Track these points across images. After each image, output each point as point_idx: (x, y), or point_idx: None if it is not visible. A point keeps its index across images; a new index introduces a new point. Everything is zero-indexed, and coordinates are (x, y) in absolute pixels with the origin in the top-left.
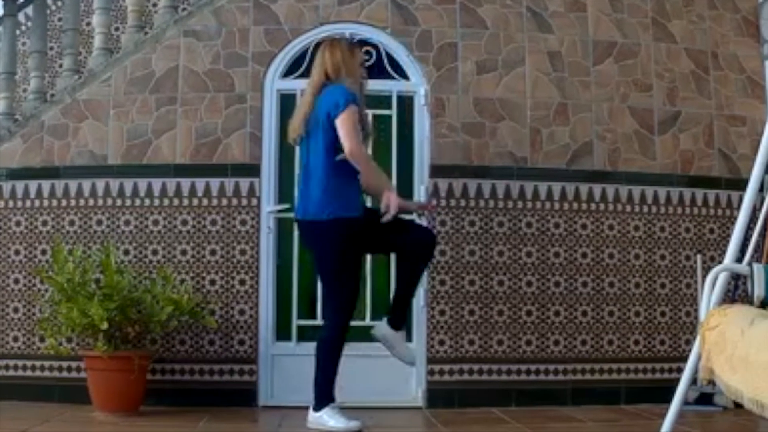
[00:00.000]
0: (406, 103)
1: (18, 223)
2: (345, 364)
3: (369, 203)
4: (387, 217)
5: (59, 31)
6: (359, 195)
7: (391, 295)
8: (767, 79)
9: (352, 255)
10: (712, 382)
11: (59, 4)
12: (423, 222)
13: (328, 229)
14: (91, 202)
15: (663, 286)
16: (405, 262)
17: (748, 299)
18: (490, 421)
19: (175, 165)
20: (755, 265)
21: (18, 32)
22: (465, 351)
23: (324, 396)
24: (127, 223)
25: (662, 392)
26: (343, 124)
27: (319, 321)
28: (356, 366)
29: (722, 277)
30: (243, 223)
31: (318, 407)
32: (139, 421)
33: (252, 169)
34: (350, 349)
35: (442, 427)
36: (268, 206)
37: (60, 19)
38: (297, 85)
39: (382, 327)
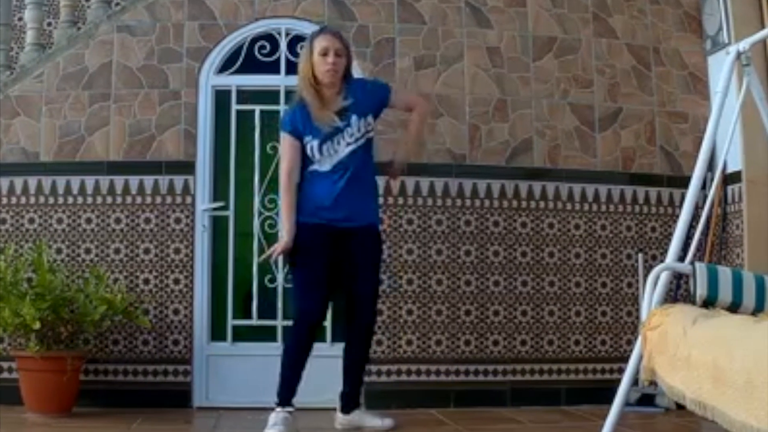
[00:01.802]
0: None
1: None
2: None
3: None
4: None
5: None
6: (318, 201)
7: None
8: (710, 76)
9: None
10: (653, 383)
11: None
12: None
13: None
14: (23, 200)
15: (604, 285)
16: (349, 339)
17: (690, 299)
18: (428, 422)
19: (108, 162)
20: (697, 264)
21: None
22: (403, 351)
23: (277, 394)
24: (59, 221)
25: (603, 393)
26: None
27: (254, 321)
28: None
29: (664, 276)
30: (177, 221)
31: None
32: (72, 423)
33: (186, 167)
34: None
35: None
36: (203, 204)
37: None
38: (232, 81)
39: (340, 419)
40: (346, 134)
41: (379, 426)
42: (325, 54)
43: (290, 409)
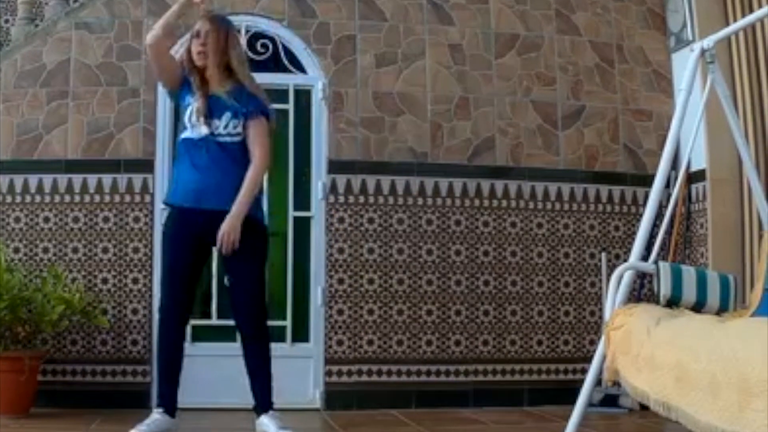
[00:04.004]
0: (303, 97)
1: None
2: (241, 364)
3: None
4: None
5: None
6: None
7: None
8: (674, 73)
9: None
10: (617, 384)
11: None
12: None
13: None
14: None
15: (567, 284)
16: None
17: (654, 298)
18: (389, 423)
19: (66, 161)
20: (661, 264)
21: None
22: (364, 351)
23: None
24: (17, 220)
25: (566, 394)
26: None
27: (214, 321)
28: None
29: (627, 276)
30: (136, 220)
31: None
32: (30, 423)
33: (145, 165)
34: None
35: (340, 429)
36: (162, 203)
37: None
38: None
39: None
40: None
41: None
42: (196, 36)
43: (159, 411)
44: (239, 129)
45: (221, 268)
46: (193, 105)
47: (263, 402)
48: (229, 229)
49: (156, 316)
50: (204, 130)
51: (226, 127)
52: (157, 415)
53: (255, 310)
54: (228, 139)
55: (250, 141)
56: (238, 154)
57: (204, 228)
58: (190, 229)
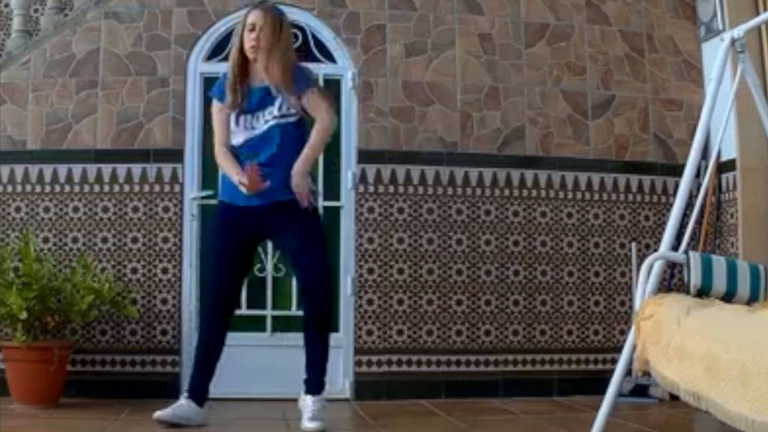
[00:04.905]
0: (333, 87)
1: None
2: (271, 354)
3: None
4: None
5: None
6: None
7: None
8: (704, 63)
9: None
10: (647, 374)
11: None
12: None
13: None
14: (10, 188)
15: (597, 274)
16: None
17: (684, 288)
18: (419, 413)
19: (95, 150)
20: (691, 253)
21: None
22: (393, 341)
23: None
24: (46, 210)
25: (596, 384)
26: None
27: (243, 311)
28: (282, 356)
29: (657, 266)
30: (165, 210)
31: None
32: (59, 414)
33: (175, 155)
34: (276, 340)
35: (370, 419)
36: (192, 192)
37: None
38: (221, 68)
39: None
40: (266, 113)
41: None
42: (251, 30)
43: (185, 396)
44: (292, 110)
45: (256, 257)
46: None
47: (309, 384)
48: (297, 184)
49: (186, 305)
50: (243, 136)
51: (280, 108)
52: (183, 401)
53: (324, 292)
54: (282, 120)
55: (311, 113)
56: (293, 133)
57: (252, 223)
58: (239, 223)
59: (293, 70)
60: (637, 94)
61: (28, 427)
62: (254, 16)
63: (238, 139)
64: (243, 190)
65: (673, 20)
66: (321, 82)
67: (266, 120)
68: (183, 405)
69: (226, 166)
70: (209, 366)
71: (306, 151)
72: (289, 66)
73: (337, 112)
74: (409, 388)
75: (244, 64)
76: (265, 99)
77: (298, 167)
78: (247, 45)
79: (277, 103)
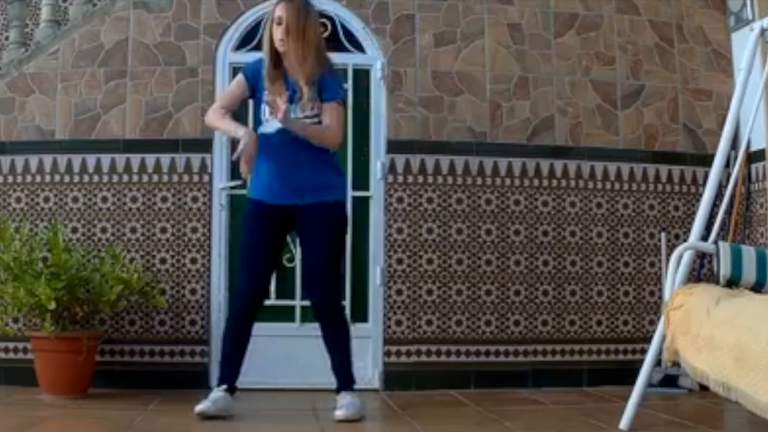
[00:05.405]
0: (362, 77)
1: None
2: (300, 344)
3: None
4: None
5: (5, 3)
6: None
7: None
8: (733, 52)
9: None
10: (676, 364)
11: None
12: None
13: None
14: (38, 178)
15: (626, 264)
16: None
17: (713, 278)
18: (448, 403)
19: (124, 140)
20: (721, 243)
21: None
22: (423, 332)
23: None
24: (75, 200)
25: (626, 374)
26: None
27: (272, 301)
28: (310, 346)
29: (687, 256)
30: (194, 200)
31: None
32: (88, 404)
33: (204, 145)
34: (305, 330)
35: (399, 409)
36: (220, 183)
37: None
38: (250, 57)
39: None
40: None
41: (338, 416)
42: (279, 23)
43: (224, 388)
44: (316, 111)
45: (285, 247)
46: (266, 99)
47: (338, 380)
48: (286, 120)
49: (215, 295)
50: (275, 125)
51: (303, 110)
52: (219, 393)
53: (328, 287)
54: (307, 121)
55: (325, 119)
56: None
57: (282, 219)
58: (269, 219)
59: (326, 73)
60: (667, 84)
61: (57, 418)
62: (281, 9)
63: (270, 128)
64: (240, 147)
65: (702, 10)
66: (350, 72)
67: (297, 117)
68: (221, 397)
69: (222, 124)
70: (239, 357)
71: (317, 127)
72: (319, 64)
73: (366, 102)
74: (439, 379)
75: (277, 57)
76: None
77: (300, 126)
78: (275, 38)
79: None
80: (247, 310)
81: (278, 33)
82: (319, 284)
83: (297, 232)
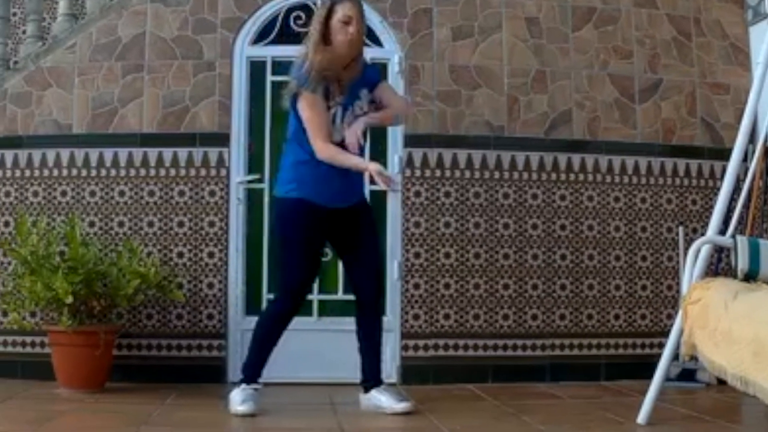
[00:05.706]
0: (379, 70)
1: None
2: (318, 339)
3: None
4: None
5: None
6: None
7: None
8: (751, 46)
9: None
10: (694, 358)
11: None
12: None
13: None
14: (56, 172)
15: (644, 258)
16: (358, 312)
17: (731, 272)
18: (465, 397)
19: (141, 134)
20: (739, 238)
21: None
22: (440, 326)
23: (244, 369)
24: (92, 194)
25: (643, 368)
26: (303, 114)
27: None
28: (328, 340)
29: (705, 250)
30: (212, 194)
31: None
32: (105, 398)
33: (221, 139)
34: (323, 324)
35: (417, 403)
36: (238, 177)
37: None
38: (267, 52)
39: (364, 400)
40: (356, 107)
41: (396, 408)
42: (347, 22)
43: (257, 386)
44: (365, 108)
45: None
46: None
47: (375, 375)
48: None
49: (233, 290)
50: (341, 135)
51: (362, 108)
52: (252, 390)
53: (377, 283)
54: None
55: (387, 102)
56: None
57: (328, 220)
58: (322, 220)
59: (363, 63)
60: (685, 77)
61: (74, 412)
62: (351, 9)
63: (337, 137)
64: (381, 180)
65: (720, 4)
66: None
67: (363, 111)
68: (255, 395)
69: (348, 160)
70: (269, 355)
71: (388, 110)
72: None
73: None
74: (456, 373)
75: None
76: (354, 95)
77: (379, 118)
78: (344, 38)
79: (358, 103)
80: (296, 308)
81: (348, 33)
82: (375, 282)
83: (342, 232)
